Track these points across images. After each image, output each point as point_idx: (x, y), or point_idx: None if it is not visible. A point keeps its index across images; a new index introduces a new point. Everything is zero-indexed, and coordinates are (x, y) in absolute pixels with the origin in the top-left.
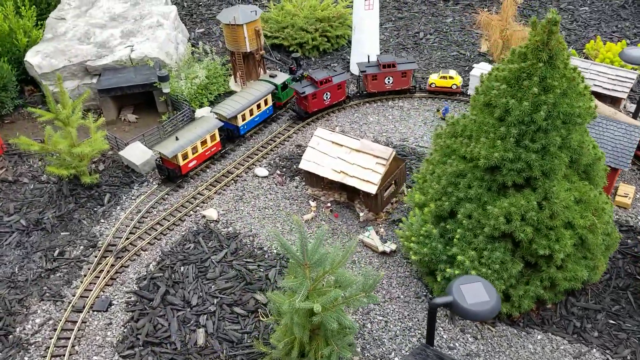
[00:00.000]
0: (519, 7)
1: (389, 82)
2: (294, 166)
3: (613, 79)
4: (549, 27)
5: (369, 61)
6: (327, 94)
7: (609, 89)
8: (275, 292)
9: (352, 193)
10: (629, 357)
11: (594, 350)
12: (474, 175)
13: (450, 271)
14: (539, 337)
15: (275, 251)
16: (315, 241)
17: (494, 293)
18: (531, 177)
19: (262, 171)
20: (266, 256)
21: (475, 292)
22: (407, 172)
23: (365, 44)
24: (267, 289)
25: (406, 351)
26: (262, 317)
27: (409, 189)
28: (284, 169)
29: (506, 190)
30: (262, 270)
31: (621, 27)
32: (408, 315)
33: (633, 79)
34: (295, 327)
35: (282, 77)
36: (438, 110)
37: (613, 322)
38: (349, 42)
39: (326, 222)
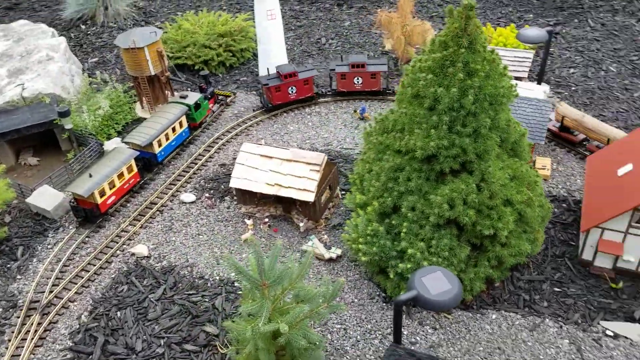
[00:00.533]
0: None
1: (358, 82)
2: (222, 186)
3: (513, 60)
4: (465, 13)
5: (342, 60)
6: (292, 88)
7: (511, 70)
8: (234, 320)
9: (288, 204)
10: (579, 321)
11: (547, 320)
12: (412, 168)
13: (402, 266)
14: (494, 316)
15: (218, 278)
16: (272, 258)
17: (454, 280)
18: (467, 161)
19: (188, 197)
20: (209, 284)
21: (436, 282)
22: (339, 175)
23: (272, 54)
24: (216, 319)
25: (370, 355)
26: (221, 348)
27: (343, 192)
28: (212, 191)
29: (444, 178)
30: (207, 300)
31: (505, 12)
32: (365, 318)
33: (530, 58)
34: (260, 352)
35: (193, 97)
36: (355, 111)
37: (558, 289)
38: (255, 54)
39: (266, 239)
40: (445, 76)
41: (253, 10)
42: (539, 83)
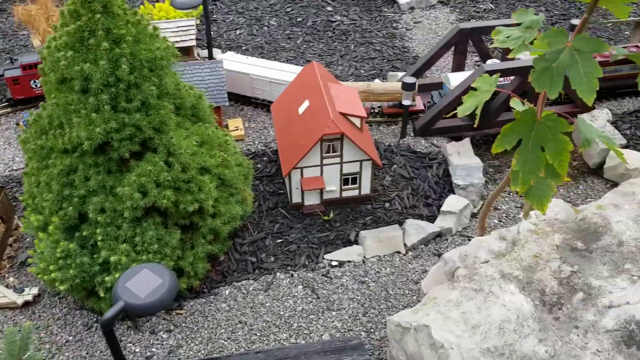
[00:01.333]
0: None
1: (37, 85)
2: None
3: (177, 31)
4: None
5: (12, 62)
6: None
7: (179, 41)
8: None
9: None
10: (306, 263)
11: (278, 273)
12: (85, 165)
13: (110, 279)
14: (228, 291)
15: None
16: None
17: (164, 271)
18: (146, 138)
19: None
20: None
21: (144, 282)
22: (14, 203)
23: None
24: None
25: None
26: None
27: (24, 218)
28: None
29: (127, 165)
30: None
31: None
32: (87, 353)
33: (193, 26)
34: None
35: None
36: (18, 124)
37: (280, 240)
38: None
39: None
40: (89, 49)
41: None
42: (209, 49)
